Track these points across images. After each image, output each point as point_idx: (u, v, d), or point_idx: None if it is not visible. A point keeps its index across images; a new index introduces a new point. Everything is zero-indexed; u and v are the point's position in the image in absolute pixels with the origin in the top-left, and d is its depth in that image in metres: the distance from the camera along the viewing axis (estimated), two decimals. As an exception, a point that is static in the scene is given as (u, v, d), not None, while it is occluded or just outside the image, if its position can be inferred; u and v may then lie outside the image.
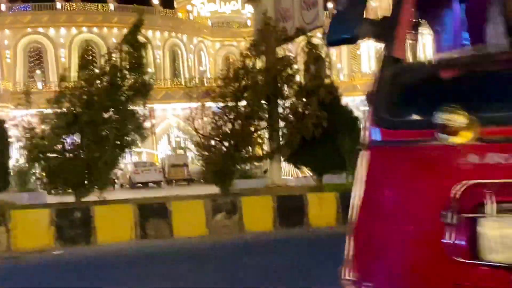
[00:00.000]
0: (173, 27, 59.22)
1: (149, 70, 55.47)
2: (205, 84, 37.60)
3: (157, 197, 19.26)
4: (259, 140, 19.83)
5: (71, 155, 16.00)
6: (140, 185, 39.37)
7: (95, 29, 54.63)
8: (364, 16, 3.07)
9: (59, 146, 16.00)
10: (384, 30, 2.97)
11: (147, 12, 56.60)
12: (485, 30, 3.09)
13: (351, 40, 3.05)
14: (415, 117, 2.68)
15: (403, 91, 2.80)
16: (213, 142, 18.93)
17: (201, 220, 14.73)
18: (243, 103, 18.86)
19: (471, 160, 2.46)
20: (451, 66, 2.80)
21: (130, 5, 53.87)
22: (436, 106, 2.52)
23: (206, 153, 18.93)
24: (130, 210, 14.50)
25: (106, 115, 15.69)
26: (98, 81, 15.83)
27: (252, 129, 19.13)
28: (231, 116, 18.64)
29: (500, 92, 2.59)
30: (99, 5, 55.81)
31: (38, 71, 51.93)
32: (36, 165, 17.13)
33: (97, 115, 15.27)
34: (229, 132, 18.63)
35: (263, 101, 19.25)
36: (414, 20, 3.83)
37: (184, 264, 10.85)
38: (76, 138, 16.21)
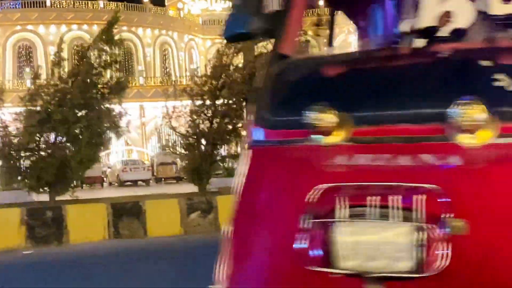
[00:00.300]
0: (164, 25, 59.06)
1: (140, 67, 55.31)
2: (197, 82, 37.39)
3: (131, 196, 19.13)
4: (237, 138, 19.69)
5: (44, 153, 15.86)
6: (130, 183, 39.24)
7: (85, 27, 54.41)
8: (260, 11, 2.96)
9: (33, 145, 15.85)
10: (274, 25, 2.86)
11: (138, 9, 56.75)
12: (381, 28, 2.99)
13: (246, 35, 2.95)
14: (294, 116, 2.56)
15: (285, 89, 2.69)
16: (191, 140, 18.80)
17: (176, 219, 14.59)
18: (221, 101, 18.73)
19: (339, 161, 2.36)
20: (334, 63, 2.70)
21: (120, 2, 53.69)
22: (315, 105, 2.42)
23: (184, 151, 18.82)
24: (103, 209, 14.38)
25: (79, 113, 15.56)
26: (72, 79, 15.69)
27: (230, 127, 18.99)
28: (209, 114, 18.51)
29: (376, 91, 2.49)
30: (89, 2, 55.61)
31: (27, 69, 51.68)
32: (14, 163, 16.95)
33: (70, 113, 15.13)
34: (206, 130, 18.50)
35: (241, 99, 19.12)
36: (330, 16, 3.72)
37: (157, 264, 10.74)
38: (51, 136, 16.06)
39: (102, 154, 18.64)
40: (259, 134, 2.65)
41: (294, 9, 2.87)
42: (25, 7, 53.44)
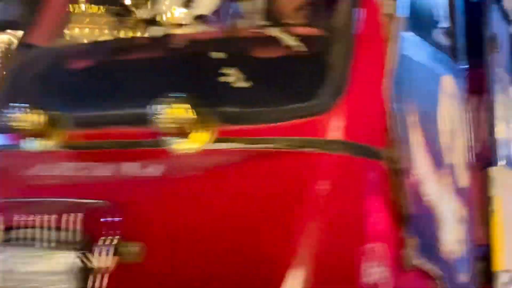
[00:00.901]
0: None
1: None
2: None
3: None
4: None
5: None
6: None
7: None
8: None
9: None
10: (32, 13, 2.52)
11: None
12: None
13: (8, 24, 2.62)
14: None
15: (14, 84, 2.33)
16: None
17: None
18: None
19: (41, 171, 1.97)
20: (67, 56, 2.34)
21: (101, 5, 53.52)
22: (25, 104, 2.05)
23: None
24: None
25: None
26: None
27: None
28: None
29: (94, 87, 2.12)
30: (70, 5, 55.36)
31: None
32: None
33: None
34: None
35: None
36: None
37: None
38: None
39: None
40: None
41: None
42: (4, 9, 53.22)
